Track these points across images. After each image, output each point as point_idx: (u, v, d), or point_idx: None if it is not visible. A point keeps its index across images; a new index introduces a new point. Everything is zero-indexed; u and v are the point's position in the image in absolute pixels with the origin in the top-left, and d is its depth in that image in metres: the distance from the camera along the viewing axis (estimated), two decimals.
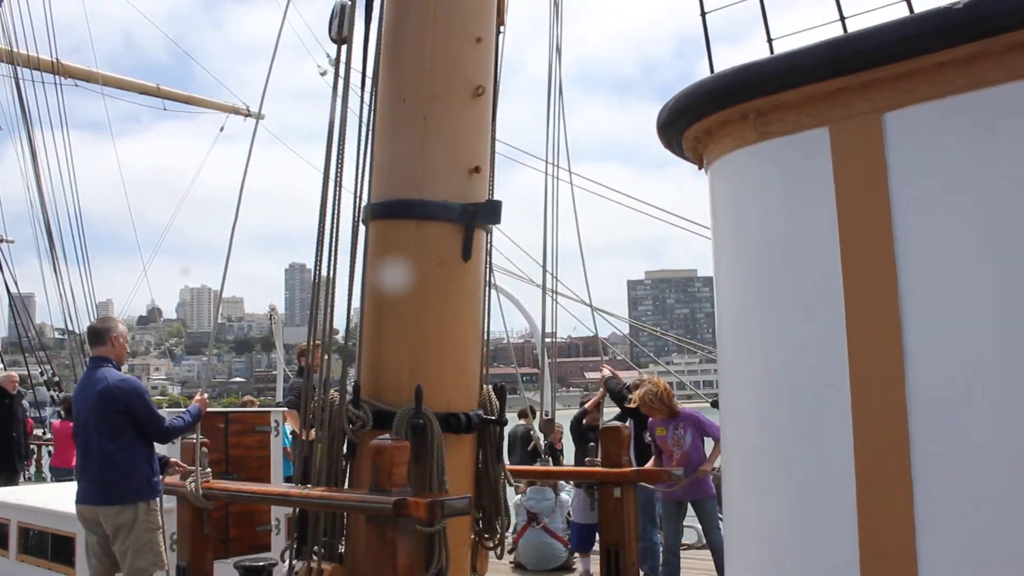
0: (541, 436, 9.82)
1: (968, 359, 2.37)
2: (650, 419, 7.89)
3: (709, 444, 7.51)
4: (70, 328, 22.28)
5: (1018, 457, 2.27)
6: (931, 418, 2.40)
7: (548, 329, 9.18)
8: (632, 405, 8.03)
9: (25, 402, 14.27)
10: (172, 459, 6.67)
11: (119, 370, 6.31)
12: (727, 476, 3.14)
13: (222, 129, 24.68)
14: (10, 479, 12.22)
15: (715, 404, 7.11)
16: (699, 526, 8.12)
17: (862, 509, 2.43)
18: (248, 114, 24.78)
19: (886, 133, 2.55)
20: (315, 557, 5.97)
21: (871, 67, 2.62)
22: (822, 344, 2.61)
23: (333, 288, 6.44)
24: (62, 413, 19.98)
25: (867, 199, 2.53)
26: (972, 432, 2.32)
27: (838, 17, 3.44)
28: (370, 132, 6.42)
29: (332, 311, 6.48)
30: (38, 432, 17.27)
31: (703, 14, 3.64)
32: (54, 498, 8.41)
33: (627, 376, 9.52)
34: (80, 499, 6.11)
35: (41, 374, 22.54)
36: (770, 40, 3.50)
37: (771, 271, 2.77)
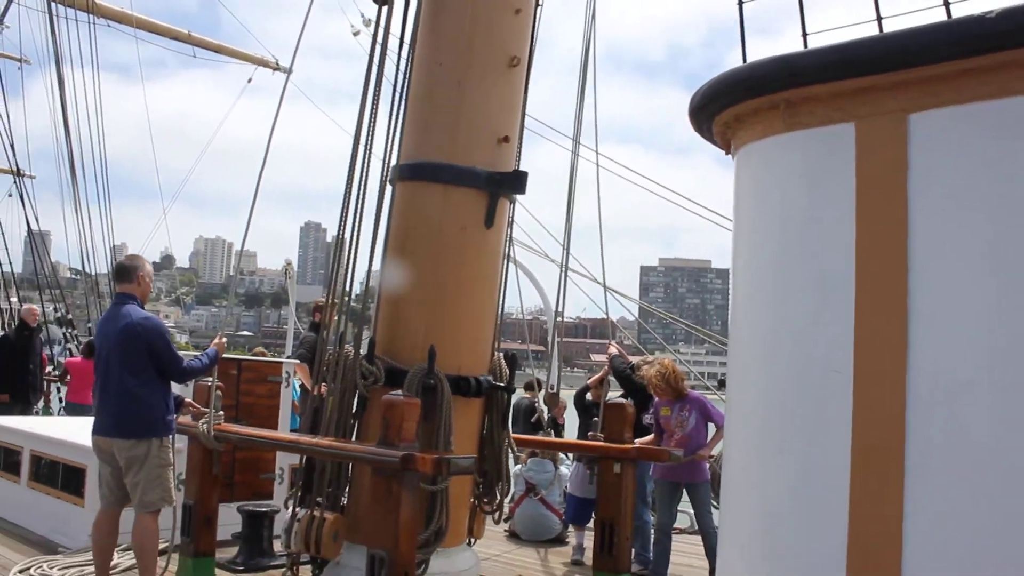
0: (545, 409, 9.95)
1: (969, 357, 2.46)
2: (656, 398, 7.99)
3: (711, 431, 7.60)
4: (85, 269, 22.49)
5: (1009, 455, 2.36)
6: (929, 411, 2.50)
7: (557, 307, 9.28)
8: (642, 381, 8.14)
9: (41, 336, 14.48)
10: (186, 399, 6.80)
11: (143, 308, 6.40)
12: (728, 456, 3.26)
13: (250, 81, 24.66)
14: (23, 411, 12.45)
15: (722, 384, 7.21)
16: (692, 510, 8.23)
17: (854, 495, 2.52)
18: (277, 67, 24.79)
19: (910, 133, 2.62)
20: (318, 506, 6.12)
21: (900, 68, 2.69)
22: (830, 332, 2.71)
23: (357, 247, 6.55)
24: (72, 351, 20.22)
25: (886, 195, 2.61)
26: (968, 428, 2.41)
27: (875, 17, 3.52)
28: (404, 94, 6.51)
29: (354, 268, 6.60)
30: (48, 369, 17.52)
31: (740, 2, 3.71)
32: (67, 430, 8.61)
33: (633, 359, 9.62)
34: (96, 430, 6.22)
35: (55, 311, 22.80)
36: (805, 35, 3.58)
37: (787, 257, 2.87)
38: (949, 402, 2.48)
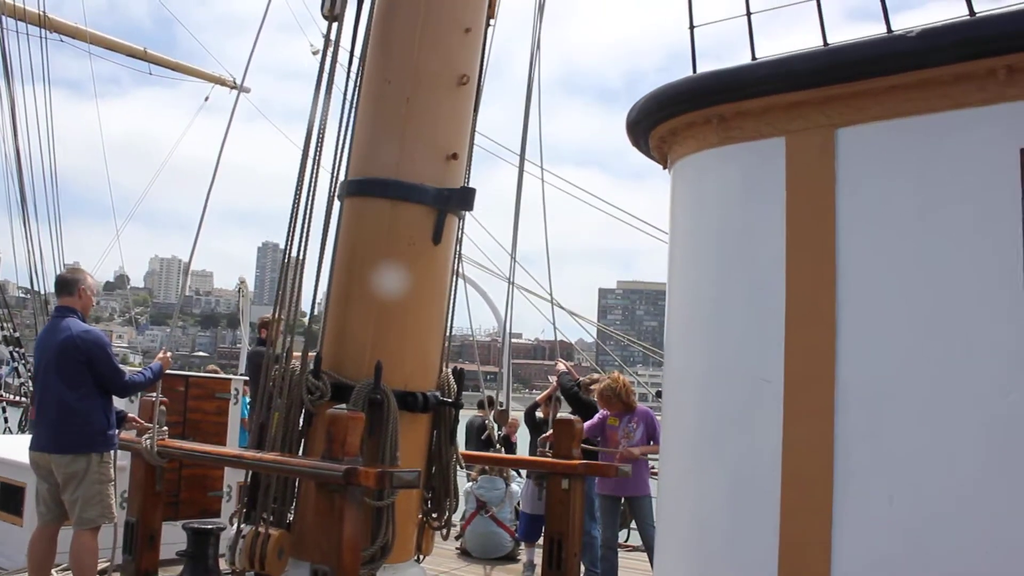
0: (495, 426, 9.95)
1: (895, 364, 2.51)
2: (604, 410, 8.01)
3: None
4: (35, 287, 22.08)
5: (932, 460, 2.41)
6: (855, 417, 2.54)
7: (512, 326, 9.31)
8: (589, 399, 8.17)
9: None
10: (129, 414, 6.71)
11: (83, 322, 6.29)
12: (664, 461, 3.29)
13: (207, 99, 24.47)
14: None
15: (659, 395, 7.27)
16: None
17: (785, 499, 2.56)
18: (234, 86, 24.62)
19: (837, 147, 2.68)
20: (263, 522, 6.05)
21: (829, 83, 2.76)
22: (762, 340, 2.75)
23: (303, 265, 6.53)
24: (19, 371, 19.80)
25: (814, 206, 2.67)
26: (892, 433, 2.46)
27: (822, 43, 3.60)
28: (353, 110, 6.52)
29: (301, 283, 6.57)
30: None
31: (691, 27, 3.79)
32: (5, 447, 8.43)
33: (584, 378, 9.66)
34: (34, 446, 6.12)
35: (1, 329, 22.33)
36: (753, 54, 3.65)
37: (721, 268, 2.92)
38: (874, 407, 2.53)
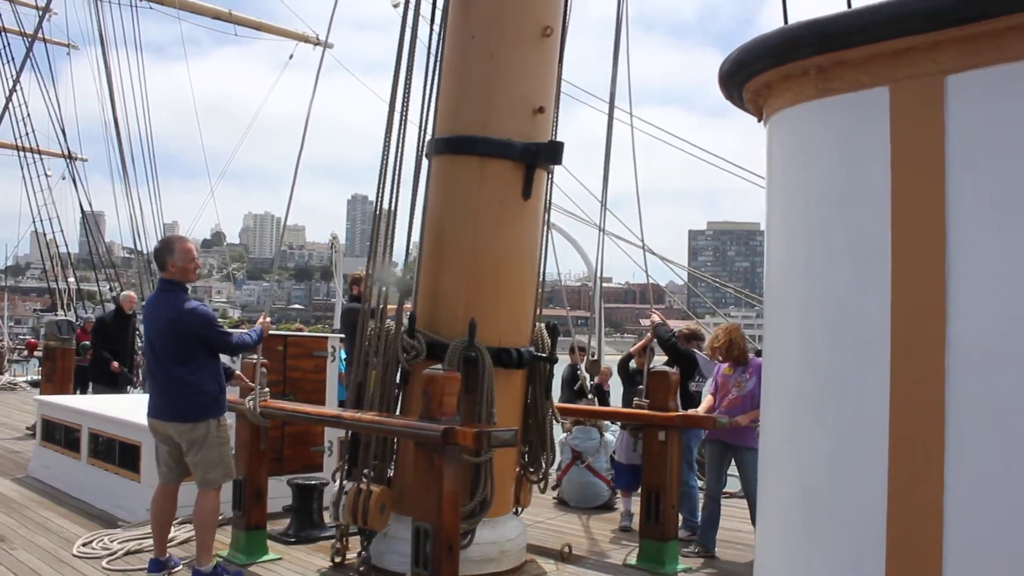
0: (587, 376, 9.95)
1: (1009, 325, 2.40)
2: (721, 359, 7.86)
3: None
4: (138, 248, 22.92)
5: None
6: (968, 381, 2.44)
7: (603, 272, 9.24)
8: (686, 348, 8.08)
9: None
10: (236, 372, 6.87)
11: (186, 291, 6.33)
12: (765, 423, 3.23)
13: (291, 56, 24.78)
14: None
15: (759, 354, 7.13)
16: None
17: (893, 468, 2.48)
18: (317, 42, 24.86)
19: (947, 96, 2.54)
20: (364, 479, 6.21)
21: (938, 28, 2.60)
22: (866, 302, 2.65)
23: (394, 220, 6.57)
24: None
25: (922, 161, 2.54)
26: (1008, 397, 2.36)
27: None
28: (438, 67, 6.49)
29: (392, 242, 6.63)
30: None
31: None
32: (122, 408, 8.82)
33: (680, 325, 9.56)
34: (152, 413, 6.27)
35: (110, 290, 23.31)
36: (849, 5, 3.48)
37: (822, 226, 2.82)
38: (988, 372, 2.42)
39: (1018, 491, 2.34)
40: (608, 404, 10.59)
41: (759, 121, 3.34)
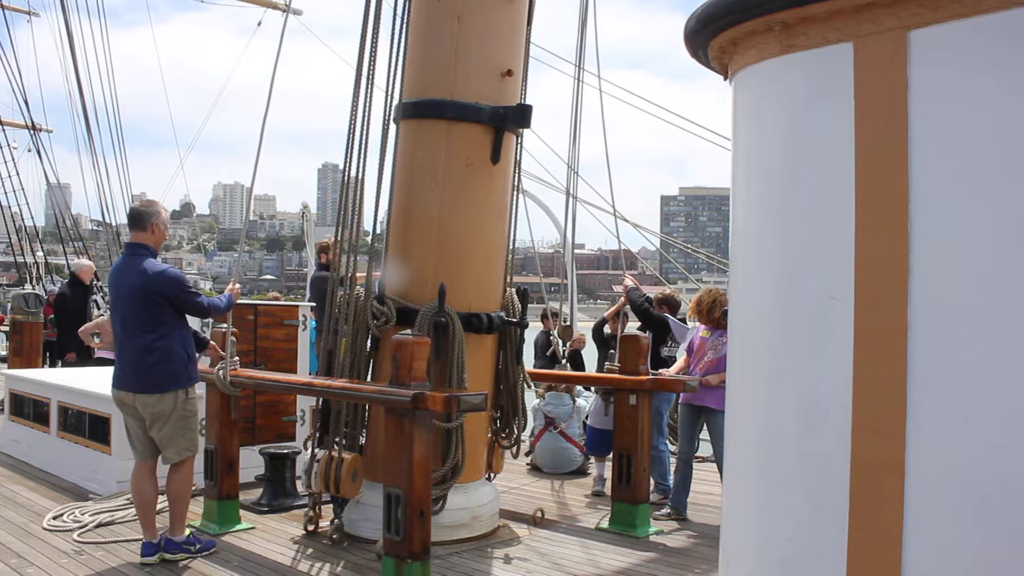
0: (560, 342, 9.97)
1: (972, 280, 2.41)
2: (698, 321, 7.87)
3: None
4: (106, 220, 22.58)
5: (1010, 379, 2.32)
6: (930, 336, 2.46)
7: (575, 238, 9.23)
8: (659, 314, 8.12)
9: (99, 298, 14.27)
10: (211, 342, 6.72)
11: (155, 256, 6.12)
12: (731, 379, 3.23)
13: (259, 24, 24.33)
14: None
15: (725, 314, 7.14)
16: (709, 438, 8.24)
17: (856, 421, 2.50)
18: (284, 9, 24.45)
19: (910, 51, 2.53)
20: (336, 447, 6.20)
21: None
22: (830, 257, 2.66)
23: (362, 187, 6.51)
24: (99, 302, 20.41)
25: (886, 116, 2.53)
26: (968, 352, 2.38)
27: None
28: (405, 30, 6.41)
29: (361, 209, 6.57)
30: None
31: None
32: (91, 380, 8.73)
33: (653, 291, 9.58)
34: (117, 384, 6.07)
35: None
36: None
37: (786, 182, 2.82)
38: (949, 325, 2.43)
39: (977, 444, 2.37)
40: (583, 370, 10.62)
41: (725, 79, 3.32)
